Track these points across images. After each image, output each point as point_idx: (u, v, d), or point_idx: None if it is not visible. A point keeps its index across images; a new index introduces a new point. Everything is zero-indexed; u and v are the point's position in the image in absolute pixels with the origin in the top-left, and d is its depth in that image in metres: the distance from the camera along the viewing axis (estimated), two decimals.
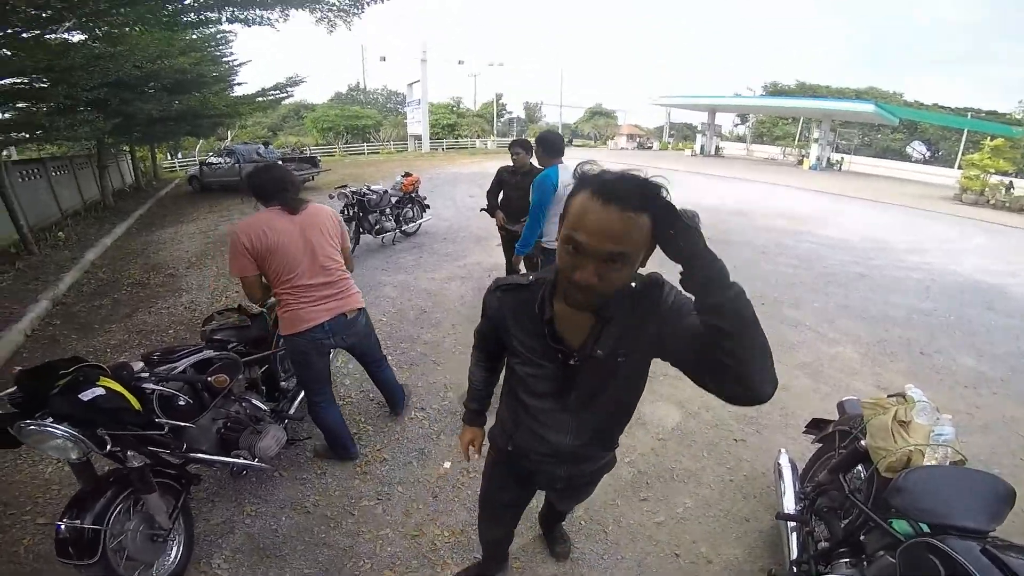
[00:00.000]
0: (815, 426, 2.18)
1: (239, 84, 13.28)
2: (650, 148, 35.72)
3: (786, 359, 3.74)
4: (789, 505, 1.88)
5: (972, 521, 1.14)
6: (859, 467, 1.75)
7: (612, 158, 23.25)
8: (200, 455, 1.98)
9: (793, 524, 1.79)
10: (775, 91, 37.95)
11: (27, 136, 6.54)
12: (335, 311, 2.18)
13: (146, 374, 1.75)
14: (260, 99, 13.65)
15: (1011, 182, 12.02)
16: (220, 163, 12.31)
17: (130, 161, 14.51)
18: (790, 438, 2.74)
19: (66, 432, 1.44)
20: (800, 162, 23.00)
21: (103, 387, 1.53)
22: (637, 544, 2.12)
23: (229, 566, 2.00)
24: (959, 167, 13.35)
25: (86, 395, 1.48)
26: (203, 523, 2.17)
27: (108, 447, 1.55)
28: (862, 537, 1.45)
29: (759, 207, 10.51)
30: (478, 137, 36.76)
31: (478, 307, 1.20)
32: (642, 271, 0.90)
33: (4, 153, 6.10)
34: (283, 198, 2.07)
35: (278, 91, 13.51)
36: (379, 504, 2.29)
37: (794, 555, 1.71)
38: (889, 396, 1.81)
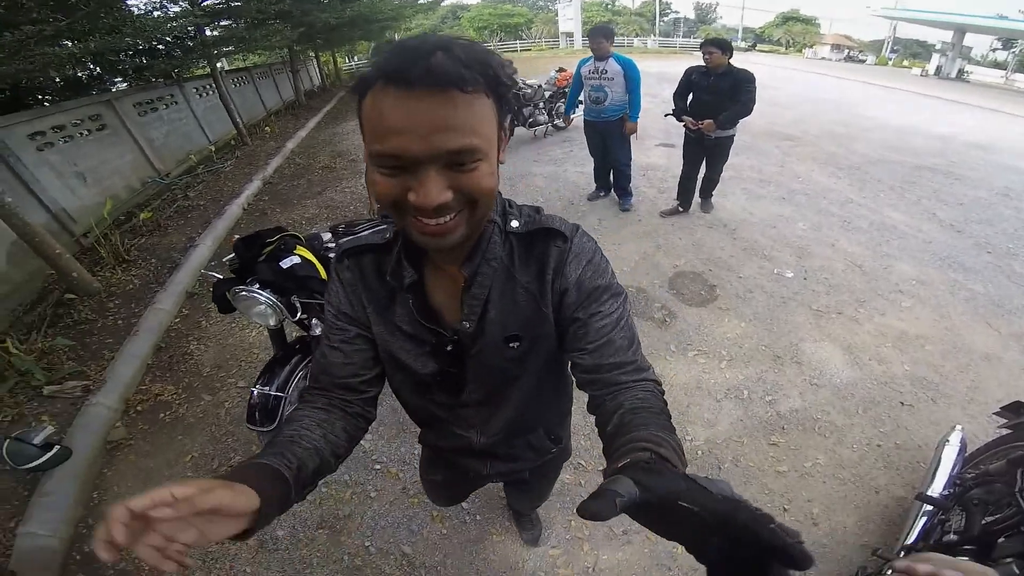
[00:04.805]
0: (1014, 410, 1.80)
1: None
2: (862, 62, 28.88)
3: (1000, 325, 2.92)
4: (937, 488, 1.65)
5: None
6: None
7: (807, 67, 19.12)
8: None
9: (929, 509, 1.57)
10: None
11: (232, 49, 7.82)
12: None
13: (332, 244, 1.82)
14: (421, 1, 16.03)
15: None
16: None
17: (316, 65, 16.51)
18: (970, 416, 2.28)
19: (268, 298, 1.51)
20: None
21: (299, 255, 1.61)
22: (748, 488, 1.96)
23: (372, 437, 2.16)
24: None
25: (285, 262, 1.55)
26: None
27: (298, 314, 1.62)
28: (1001, 540, 1.26)
29: (1010, 144, 7.77)
30: (636, 36, 34.82)
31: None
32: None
33: (219, 65, 7.29)
34: None
35: None
36: None
37: (911, 539, 1.52)
38: None
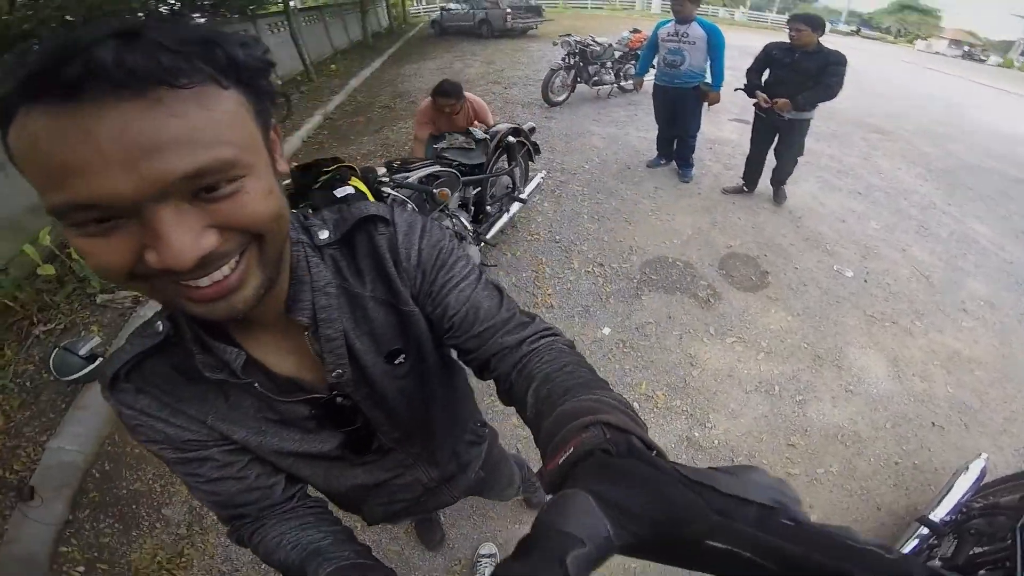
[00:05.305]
0: None
1: None
2: (982, 61, 25.77)
3: None
4: (940, 513, 1.62)
5: None
6: None
7: (915, 60, 17.17)
8: None
9: (924, 533, 1.56)
10: None
11: None
12: None
13: (386, 179, 1.88)
14: None
15: None
16: (457, 9, 13.34)
17: (385, 7, 16.62)
18: (998, 446, 2.19)
19: None
20: None
21: (353, 186, 1.63)
22: None
23: None
24: None
25: (339, 192, 1.58)
26: None
27: None
28: (982, 572, 1.27)
29: None
30: (724, 6, 32.29)
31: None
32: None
33: (292, 3, 7.33)
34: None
35: None
36: None
37: None
38: None
